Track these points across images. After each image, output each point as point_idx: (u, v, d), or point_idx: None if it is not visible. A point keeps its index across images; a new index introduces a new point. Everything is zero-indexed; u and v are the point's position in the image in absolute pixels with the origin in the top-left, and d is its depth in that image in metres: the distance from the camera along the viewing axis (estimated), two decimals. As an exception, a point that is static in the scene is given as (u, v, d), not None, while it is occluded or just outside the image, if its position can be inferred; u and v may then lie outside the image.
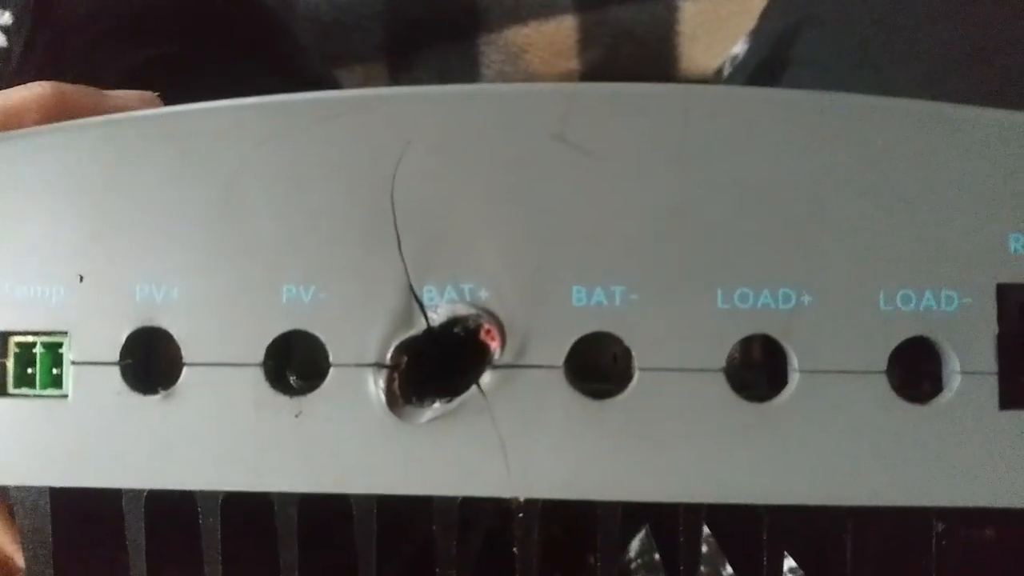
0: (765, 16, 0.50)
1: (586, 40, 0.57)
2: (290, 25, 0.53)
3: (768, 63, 0.46)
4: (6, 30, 0.32)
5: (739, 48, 0.53)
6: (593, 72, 0.57)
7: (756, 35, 0.50)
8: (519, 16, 0.57)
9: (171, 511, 0.18)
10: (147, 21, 0.39)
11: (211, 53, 0.41)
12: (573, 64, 0.57)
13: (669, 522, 0.19)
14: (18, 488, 0.18)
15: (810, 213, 0.16)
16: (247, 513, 0.18)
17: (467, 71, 0.57)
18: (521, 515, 0.17)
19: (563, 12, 0.57)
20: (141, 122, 0.17)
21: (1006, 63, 0.32)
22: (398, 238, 0.17)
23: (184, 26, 0.41)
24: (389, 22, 0.58)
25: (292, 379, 0.18)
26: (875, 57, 0.37)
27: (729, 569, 0.38)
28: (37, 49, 0.34)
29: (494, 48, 0.58)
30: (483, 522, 0.18)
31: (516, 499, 0.17)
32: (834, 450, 0.16)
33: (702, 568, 0.37)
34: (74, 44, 0.36)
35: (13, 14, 0.33)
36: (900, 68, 0.35)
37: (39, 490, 0.18)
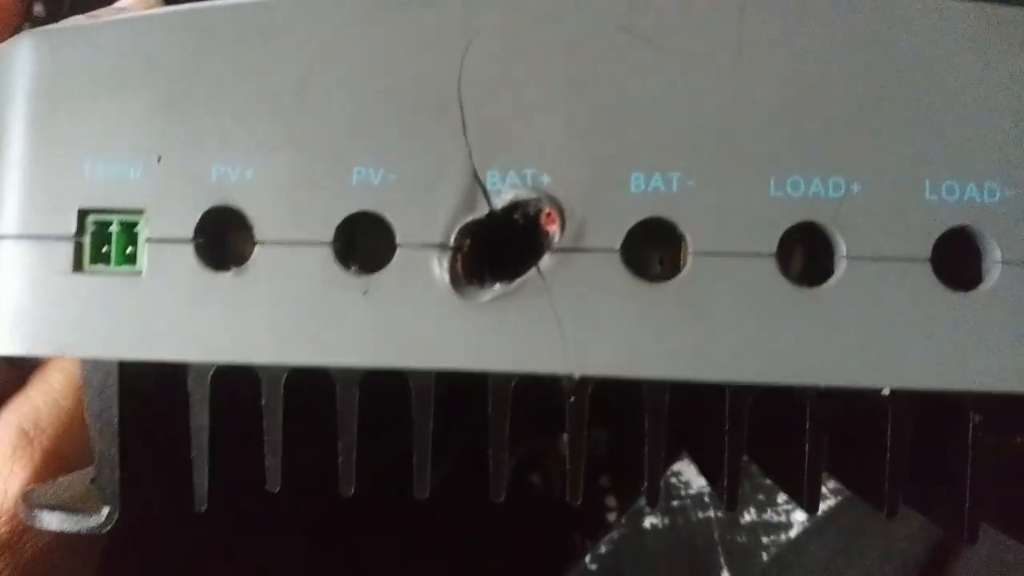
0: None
1: None
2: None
3: None
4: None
5: None
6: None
7: None
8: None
9: (235, 394, 0.19)
10: None
11: None
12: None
13: (710, 420, 0.20)
14: (88, 364, 0.19)
15: (860, 103, 0.17)
16: (308, 398, 0.19)
17: None
18: (572, 399, 0.18)
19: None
20: (224, 11, 0.18)
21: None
22: (464, 124, 0.17)
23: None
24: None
25: (354, 268, 0.19)
26: None
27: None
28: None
29: None
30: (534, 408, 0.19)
31: (569, 379, 0.18)
32: (878, 334, 0.17)
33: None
34: None
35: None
36: None
37: (108, 367, 0.19)
